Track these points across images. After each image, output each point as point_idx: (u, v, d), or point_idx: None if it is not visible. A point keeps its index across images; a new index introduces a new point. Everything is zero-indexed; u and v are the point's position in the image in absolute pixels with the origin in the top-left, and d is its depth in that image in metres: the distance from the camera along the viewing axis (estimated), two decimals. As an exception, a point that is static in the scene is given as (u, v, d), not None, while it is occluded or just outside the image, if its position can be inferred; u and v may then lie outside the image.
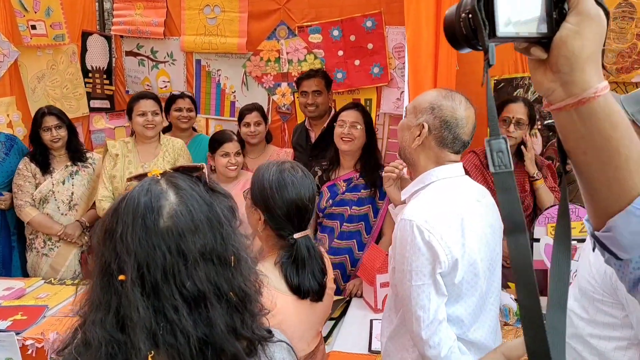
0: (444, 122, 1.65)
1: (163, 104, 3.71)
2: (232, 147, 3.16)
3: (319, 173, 3.10)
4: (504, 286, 2.85)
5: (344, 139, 2.92)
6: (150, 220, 0.91)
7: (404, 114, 1.81)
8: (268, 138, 3.81)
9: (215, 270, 0.93)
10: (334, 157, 3.07)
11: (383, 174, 2.06)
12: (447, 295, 1.60)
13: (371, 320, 2.58)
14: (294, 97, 4.32)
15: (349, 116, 2.93)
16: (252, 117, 3.55)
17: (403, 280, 1.60)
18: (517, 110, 2.97)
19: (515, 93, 3.73)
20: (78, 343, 0.94)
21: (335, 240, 3.01)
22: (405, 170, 1.94)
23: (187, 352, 0.90)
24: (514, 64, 3.72)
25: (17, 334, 2.45)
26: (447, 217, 1.60)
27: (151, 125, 3.30)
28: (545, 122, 3.73)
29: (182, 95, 3.85)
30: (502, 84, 3.77)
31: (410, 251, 1.56)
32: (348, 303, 2.84)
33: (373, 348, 2.36)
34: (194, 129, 4.02)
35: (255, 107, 3.65)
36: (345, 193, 2.99)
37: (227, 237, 0.96)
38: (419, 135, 1.68)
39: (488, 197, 1.79)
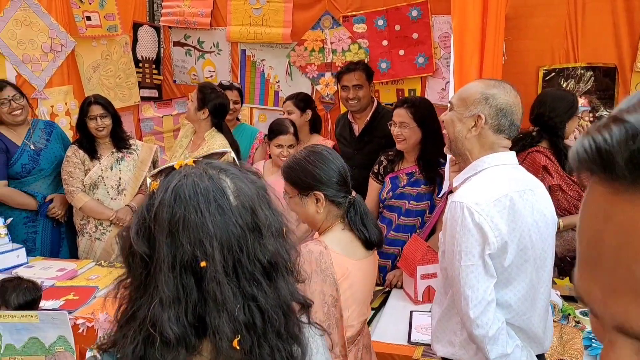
0: (500, 109, 1.69)
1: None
2: (285, 139, 3.22)
3: (385, 163, 3.08)
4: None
5: (396, 139, 2.91)
6: (223, 202, 0.93)
7: (448, 107, 1.80)
8: (314, 127, 3.82)
9: (277, 241, 0.97)
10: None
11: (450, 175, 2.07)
12: (496, 278, 1.63)
13: (411, 312, 2.58)
14: (337, 87, 4.32)
15: (397, 116, 2.90)
16: (285, 106, 3.65)
17: (453, 260, 1.64)
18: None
19: (565, 85, 3.61)
20: (132, 343, 0.92)
21: (391, 232, 3.01)
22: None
23: (261, 327, 0.93)
24: (565, 54, 3.60)
25: (69, 313, 2.57)
26: (498, 200, 1.63)
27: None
28: (598, 113, 3.61)
29: (230, 87, 3.91)
30: (552, 74, 3.66)
31: (460, 232, 1.60)
32: (388, 294, 2.84)
33: (412, 339, 2.35)
34: (237, 119, 4.09)
35: (291, 97, 3.70)
36: (406, 187, 2.97)
37: (275, 210, 1.01)
38: (474, 126, 1.70)
39: (542, 188, 1.79)
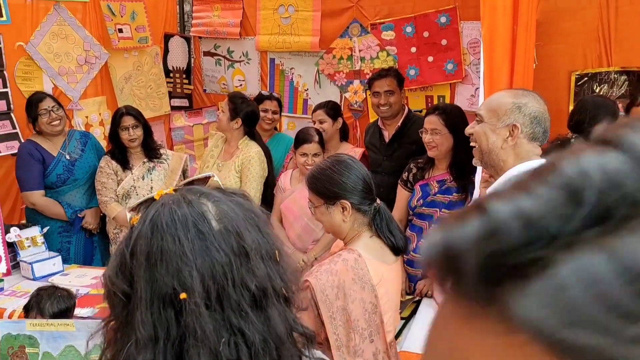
0: (534, 117, 1.69)
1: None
2: (310, 148, 3.22)
3: (414, 170, 3.07)
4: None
5: (428, 146, 2.91)
6: (203, 226, 0.87)
7: (476, 119, 1.78)
8: (343, 135, 3.82)
9: (268, 265, 0.91)
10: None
11: (481, 187, 2.05)
12: None
13: (442, 321, 2.55)
14: (365, 94, 4.32)
15: (429, 123, 2.90)
16: (317, 115, 3.64)
17: None
18: None
19: (598, 89, 3.54)
20: None
21: (422, 240, 2.99)
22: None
23: None
24: (597, 58, 3.53)
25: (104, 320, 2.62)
26: None
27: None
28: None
29: (270, 97, 3.92)
30: (585, 79, 3.59)
31: None
32: (418, 303, 2.81)
33: (443, 349, 2.32)
34: (275, 128, 4.11)
35: (322, 106, 3.70)
36: (437, 195, 2.94)
37: (265, 232, 0.94)
38: (509, 136, 1.70)
39: None
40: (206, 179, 1.03)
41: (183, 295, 0.83)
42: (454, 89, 4.07)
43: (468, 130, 1.85)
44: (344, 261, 1.75)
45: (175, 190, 0.95)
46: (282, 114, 4.72)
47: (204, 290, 0.83)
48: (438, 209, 2.94)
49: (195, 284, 0.83)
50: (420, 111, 4.20)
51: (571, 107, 3.49)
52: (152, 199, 0.94)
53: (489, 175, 1.98)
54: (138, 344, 0.83)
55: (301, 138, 3.28)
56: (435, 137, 2.86)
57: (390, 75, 3.59)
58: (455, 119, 2.89)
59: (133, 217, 0.91)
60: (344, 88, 4.44)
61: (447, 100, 4.07)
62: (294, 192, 3.29)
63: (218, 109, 4.85)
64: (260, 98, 3.93)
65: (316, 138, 3.25)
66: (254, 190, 3.42)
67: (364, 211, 1.84)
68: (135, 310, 0.84)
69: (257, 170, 3.42)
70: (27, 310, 2.30)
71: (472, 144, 1.86)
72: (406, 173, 3.11)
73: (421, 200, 2.98)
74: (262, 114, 3.85)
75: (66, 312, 2.32)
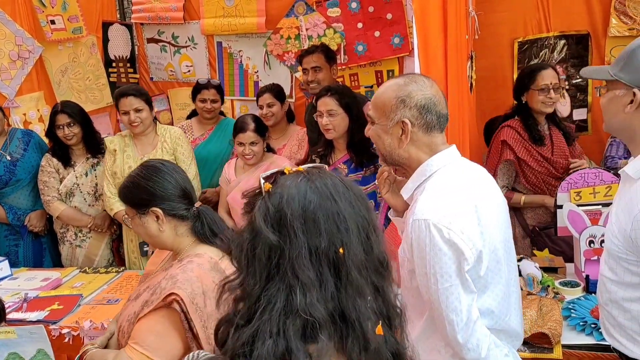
0: (422, 107, 1.57)
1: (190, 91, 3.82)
2: (245, 137, 3.14)
3: (317, 161, 3.00)
4: (530, 255, 2.79)
5: (325, 129, 2.87)
6: (348, 195, 0.97)
7: (369, 121, 1.70)
8: (290, 117, 3.78)
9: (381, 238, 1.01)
10: (327, 141, 3.00)
11: (376, 182, 1.92)
12: (476, 292, 1.51)
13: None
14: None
15: (323, 105, 2.86)
16: (264, 99, 3.56)
17: (427, 284, 1.50)
18: (551, 75, 2.92)
19: (540, 54, 3.58)
20: (270, 338, 0.87)
21: None
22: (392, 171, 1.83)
23: (387, 316, 0.97)
24: (537, 24, 3.57)
25: (54, 323, 2.56)
26: (462, 207, 1.50)
27: (135, 124, 3.25)
28: (573, 81, 3.59)
29: (207, 85, 3.78)
30: (526, 45, 3.62)
31: (430, 253, 1.46)
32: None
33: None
34: (221, 113, 4.02)
35: (268, 89, 3.63)
36: (349, 175, 2.93)
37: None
38: (403, 134, 1.58)
39: (487, 174, 1.72)
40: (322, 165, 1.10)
41: (341, 250, 0.92)
42: (402, 63, 4.06)
43: (366, 132, 1.72)
44: (199, 266, 1.66)
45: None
46: (234, 97, 4.66)
47: (356, 247, 0.93)
48: None
49: (353, 240, 0.93)
50: (371, 87, 4.19)
51: (515, 75, 3.53)
52: (282, 172, 1.02)
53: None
54: (305, 286, 0.88)
55: (237, 127, 3.20)
56: (331, 118, 2.84)
57: (317, 51, 3.49)
58: (348, 99, 2.89)
59: (266, 184, 0.99)
60: (294, 68, 4.38)
61: (397, 74, 4.06)
62: (239, 182, 3.23)
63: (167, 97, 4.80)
64: (197, 88, 3.82)
65: (252, 126, 3.15)
66: (194, 166, 3.40)
67: (181, 217, 1.74)
68: (294, 260, 0.90)
69: (189, 146, 3.44)
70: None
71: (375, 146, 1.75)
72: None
73: None
74: (200, 104, 3.77)
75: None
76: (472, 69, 2.86)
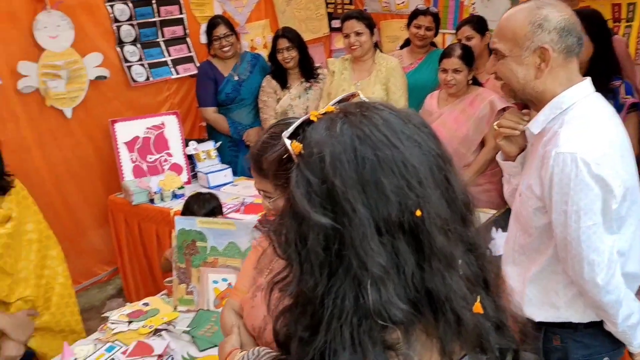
0: (562, 29, 1.42)
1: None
2: (449, 63, 3.00)
3: None
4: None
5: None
6: (407, 129, 0.72)
7: (492, 57, 1.53)
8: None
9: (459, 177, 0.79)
10: None
11: (497, 128, 1.68)
12: (618, 232, 1.44)
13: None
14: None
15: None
16: (462, 32, 3.38)
17: (566, 222, 1.42)
18: None
19: None
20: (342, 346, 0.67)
21: None
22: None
23: (484, 280, 0.76)
24: None
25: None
26: (609, 142, 1.43)
27: (354, 47, 3.34)
28: None
29: (425, 12, 3.70)
30: None
31: (575, 189, 1.38)
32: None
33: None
34: (433, 44, 3.92)
35: (467, 21, 3.47)
36: None
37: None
38: (542, 62, 1.43)
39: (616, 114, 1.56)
40: (352, 96, 0.86)
41: (418, 212, 0.67)
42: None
43: (489, 69, 1.56)
44: None
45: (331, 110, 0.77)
46: (446, 31, 4.50)
47: (436, 202, 0.69)
48: None
49: (430, 194, 0.68)
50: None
51: None
52: (308, 121, 0.76)
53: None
54: (375, 278, 0.66)
55: (444, 53, 3.09)
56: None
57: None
58: None
59: (294, 144, 0.72)
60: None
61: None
62: (442, 114, 3.12)
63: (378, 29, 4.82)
64: (414, 13, 3.74)
65: (457, 52, 3.00)
66: (404, 99, 3.38)
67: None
68: (357, 242, 0.66)
69: (403, 79, 3.43)
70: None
71: (497, 82, 1.57)
72: None
73: None
74: (414, 30, 3.69)
75: (214, 211, 2.62)
76: None
